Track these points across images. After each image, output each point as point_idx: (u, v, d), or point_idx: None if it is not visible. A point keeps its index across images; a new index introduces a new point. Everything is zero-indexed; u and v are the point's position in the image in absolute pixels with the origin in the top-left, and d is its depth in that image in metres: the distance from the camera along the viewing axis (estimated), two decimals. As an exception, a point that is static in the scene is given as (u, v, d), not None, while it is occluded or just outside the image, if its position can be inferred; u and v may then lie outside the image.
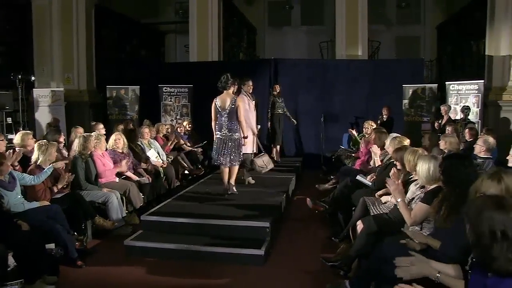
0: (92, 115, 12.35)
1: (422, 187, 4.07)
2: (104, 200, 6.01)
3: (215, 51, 13.59)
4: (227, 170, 6.83)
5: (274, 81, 11.82)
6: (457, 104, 10.98)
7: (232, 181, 6.97)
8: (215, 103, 6.73)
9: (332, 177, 8.52)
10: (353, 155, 8.63)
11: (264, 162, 7.94)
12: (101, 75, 13.17)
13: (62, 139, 7.14)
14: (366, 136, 8.29)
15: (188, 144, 10.19)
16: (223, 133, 6.68)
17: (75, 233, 5.33)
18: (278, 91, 10.48)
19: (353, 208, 5.53)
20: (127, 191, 6.49)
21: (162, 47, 19.02)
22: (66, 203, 5.39)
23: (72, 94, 12.33)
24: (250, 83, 8.21)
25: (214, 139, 6.84)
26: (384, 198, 5.04)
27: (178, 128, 10.41)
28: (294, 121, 10.68)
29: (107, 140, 7.06)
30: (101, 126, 8.14)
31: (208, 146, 10.28)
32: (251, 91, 8.21)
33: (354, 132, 9.51)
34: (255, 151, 7.96)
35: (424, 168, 3.91)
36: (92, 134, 6.69)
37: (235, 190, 6.94)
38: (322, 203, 6.52)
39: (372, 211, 4.81)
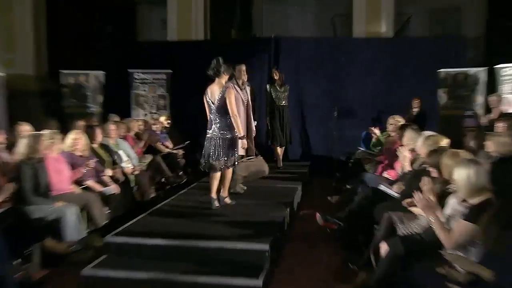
0: (43, 108, 12.22)
1: (465, 200, 4.01)
2: (57, 217, 5.94)
3: (200, 27, 13.55)
4: (218, 175, 6.90)
5: (275, 65, 11.77)
6: (512, 94, 10.89)
7: (225, 192, 7.14)
8: (205, 95, 6.82)
9: (348, 186, 8.50)
10: (375, 158, 8.60)
11: (250, 169, 7.91)
12: (56, 57, 13.09)
13: (1, 138, 7.04)
14: (391, 135, 8.23)
15: (167, 145, 10.15)
16: (213, 132, 6.77)
17: (18, 260, 5.25)
18: (277, 77, 10.38)
19: (375, 226, 5.49)
20: (88, 204, 6.43)
21: (132, 23, 18.92)
22: (7, 221, 5.31)
23: (15, 80, 12.15)
24: (243, 68, 8.23)
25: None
26: (416, 210, 4.98)
27: (154, 125, 10.38)
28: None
29: (63, 139, 7.01)
30: (53, 122, 8.08)
31: (191, 147, 10.25)
32: (245, 78, 8.18)
33: (376, 130, 9.46)
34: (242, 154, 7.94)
35: (462, 175, 3.88)
36: (44, 132, 6.61)
37: (229, 201, 7.14)
38: (335, 219, 6.49)
39: (399, 230, 4.75)
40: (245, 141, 6.86)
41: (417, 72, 11.52)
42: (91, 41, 14.19)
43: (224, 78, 6.82)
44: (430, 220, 4.06)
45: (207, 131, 6.84)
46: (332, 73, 12.00)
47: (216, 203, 6.93)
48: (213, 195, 6.94)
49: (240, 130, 6.76)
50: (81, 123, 8.64)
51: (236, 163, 7.01)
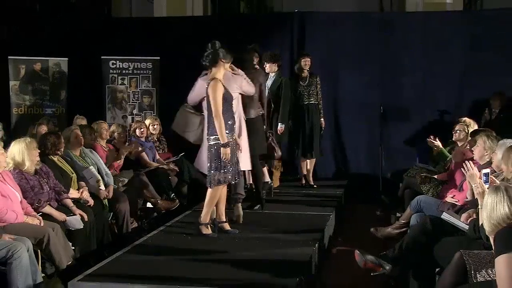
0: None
1: None
2: (4, 256, 5.92)
3: (198, 0, 13.60)
4: (214, 191, 7.41)
5: (298, 51, 11.80)
6: None
7: (222, 215, 7.68)
8: (223, 87, 7.21)
9: (398, 214, 8.48)
10: (435, 177, 8.54)
11: None
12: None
13: None
14: (459, 144, 8.17)
15: (154, 157, 10.20)
16: (232, 133, 7.43)
17: None
18: (306, 65, 10.57)
19: (437, 270, 5.44)
20: (45, 239, 6.40)
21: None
22: None
23: None
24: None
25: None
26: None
27: (138, 130, 10.35)
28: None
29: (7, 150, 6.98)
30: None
31: (185, 161, 10.22)
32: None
33: (436, 141, 9.42)
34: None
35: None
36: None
37: (228, 228, 7.64)
38: (381, 260, 6.41)
39: (475, 277, 4.67)
40: (227, 150, 7.16)
41: (498, 58, 11.50)
42: (50, 16, 14.22)
43: (222, 67, 7.26)
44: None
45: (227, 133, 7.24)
46: (378, 61, 12.02)
47: (207, 230, 7.39)
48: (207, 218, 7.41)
49: (223, 136, 7.12)
50: (42, 128, 8.64)
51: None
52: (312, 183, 10.95)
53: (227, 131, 7.14)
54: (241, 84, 7.88)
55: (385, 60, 11.99)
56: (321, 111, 10.76)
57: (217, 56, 7.15)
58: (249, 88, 8.13)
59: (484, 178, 5.26)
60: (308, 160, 10.93)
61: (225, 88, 7.25)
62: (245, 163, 8.00)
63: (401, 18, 12.66)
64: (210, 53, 7.18)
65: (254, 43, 8.94)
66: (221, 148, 7.12)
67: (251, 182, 9.59)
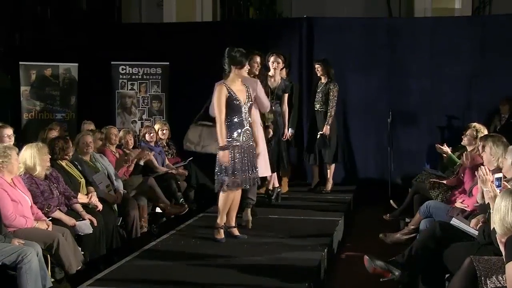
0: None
1: None
2: (14, 261, 5.92)
3: (208, 6, 13.60)
4: (230, 195, 7.39)
5: (307, 55, 11.78)
6: None
7: (232, 220, 7.65)
8: (227, 91, 7.22)
9: (407, 220, 8.45)
10: (444, 182, 8.50)
11: None
12: (11, 43, 13.10)
13: None
14: (469, 149, 8.14)
15: (163, 161, 10.20)
16: (244, 138, 7.31)
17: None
18: (317, 72, 10.58)
19: (447, 276, 5.39)
20: (55, 244, 6.40)
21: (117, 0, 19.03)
22: None
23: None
24: (258, 59, 8.56)
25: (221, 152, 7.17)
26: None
27: (147, 135, 10.34)
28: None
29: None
30: (8, 131, 8.07)
31: (193, 166, 10.22)
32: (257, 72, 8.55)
33: (445, 147, 9.38)
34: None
35: None
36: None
37: (237, 233, 7.62)
38: (390, 265, 6.37)
39: (485, 284, 4.63)
40: (225, 153, 7.15)
41: (507, 63, 11.48)
42: (61, 22, 14.25)
43: (234, 73, 7.28)
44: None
45: (231, 138, 7.23)
46: (387, 65, 11.99)
47: (220, 235, 7.38)
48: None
49: (222, 138, 7.17)
50: (51, 133, 8.67)
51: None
52: (326, 189, 10.84)
53: (237, 135, 7.19)
54: (255, 87, 7.89)
55: (393, 65, 11.98)
56: (328, 119, 10.57)
57: (231, 62, 7.20)
58: (265, 100, 8.25)
59: (496, 182, 5.23)
60: (330, 166, 10.91)
61: (234, 93, 7.24)
62: (264, 169, 8.05)
63: (409, 23, 12.63)
64: (225, 60, 7.24)
65: (263, 48, 8.92)
66: (219, 151, 7.18)
67: (270, 188, 9.63)
